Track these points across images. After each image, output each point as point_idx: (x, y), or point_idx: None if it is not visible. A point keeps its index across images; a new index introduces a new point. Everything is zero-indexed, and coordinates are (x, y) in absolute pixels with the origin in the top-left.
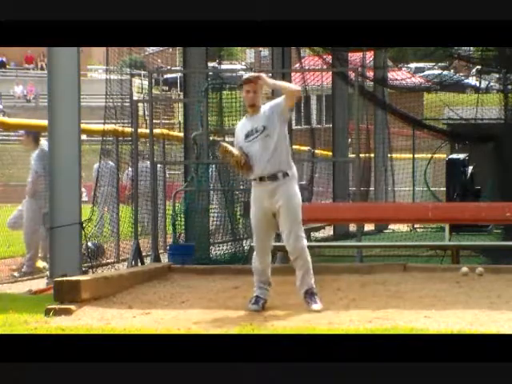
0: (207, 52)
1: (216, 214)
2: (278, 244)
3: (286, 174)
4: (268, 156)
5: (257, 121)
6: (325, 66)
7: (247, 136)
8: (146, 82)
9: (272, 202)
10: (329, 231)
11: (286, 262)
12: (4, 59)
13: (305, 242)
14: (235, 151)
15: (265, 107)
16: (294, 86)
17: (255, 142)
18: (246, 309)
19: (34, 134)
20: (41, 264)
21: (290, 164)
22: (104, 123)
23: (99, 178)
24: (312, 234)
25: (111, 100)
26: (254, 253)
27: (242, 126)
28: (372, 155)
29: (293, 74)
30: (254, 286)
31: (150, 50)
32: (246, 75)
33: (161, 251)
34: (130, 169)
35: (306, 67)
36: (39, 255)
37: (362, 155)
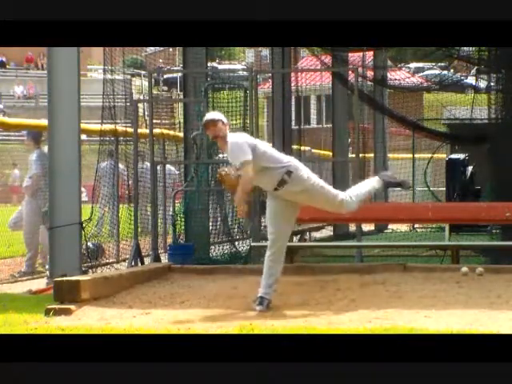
0: (207, 52)
1: (217, 214)
2: None
3: (289, 173)
4: (263, 175)
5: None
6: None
7: None
8: (145, 83)
9: (292, 199)
10: (329, 231)
11: (285, 262)
12: (4, 59)
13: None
14: (232, 173)
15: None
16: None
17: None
18: (250, 308)
19: (32, 134)
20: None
21: (283, 163)
22: (101, 123)
23: (97, 178)
24: (312, 233)
25: (108, 100)
26: (274, 254)
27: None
28: (367, 155)
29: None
30: (266, 287)
31: (149, 50)
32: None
33: (161, 251)
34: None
35: (306, 67)
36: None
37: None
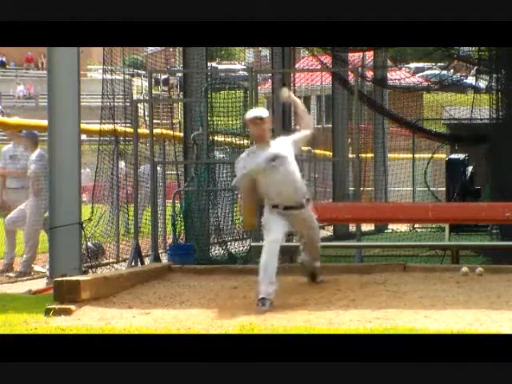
0: (207, 52)
1: (217, 214)
2: None
3: (308, 200)
4: (293, 187)
5: (269, 150)
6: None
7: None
8: (145, 83)
9: (294, 220)
10: (329, 231)
11: (285, 262)
12: (4, 59)
13: None
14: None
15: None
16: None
17: (274, 170)
18: (250, 308)
19: (31, 135)
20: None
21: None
22: (100, 123)
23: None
24: None
25: (108, 100)
26: (268, 252)
27: (252, 154)
28: (367, 155)
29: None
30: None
31: (150, 50)
32: (255, 113)
33: (161, 251)
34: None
35: (306, 67)
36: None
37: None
